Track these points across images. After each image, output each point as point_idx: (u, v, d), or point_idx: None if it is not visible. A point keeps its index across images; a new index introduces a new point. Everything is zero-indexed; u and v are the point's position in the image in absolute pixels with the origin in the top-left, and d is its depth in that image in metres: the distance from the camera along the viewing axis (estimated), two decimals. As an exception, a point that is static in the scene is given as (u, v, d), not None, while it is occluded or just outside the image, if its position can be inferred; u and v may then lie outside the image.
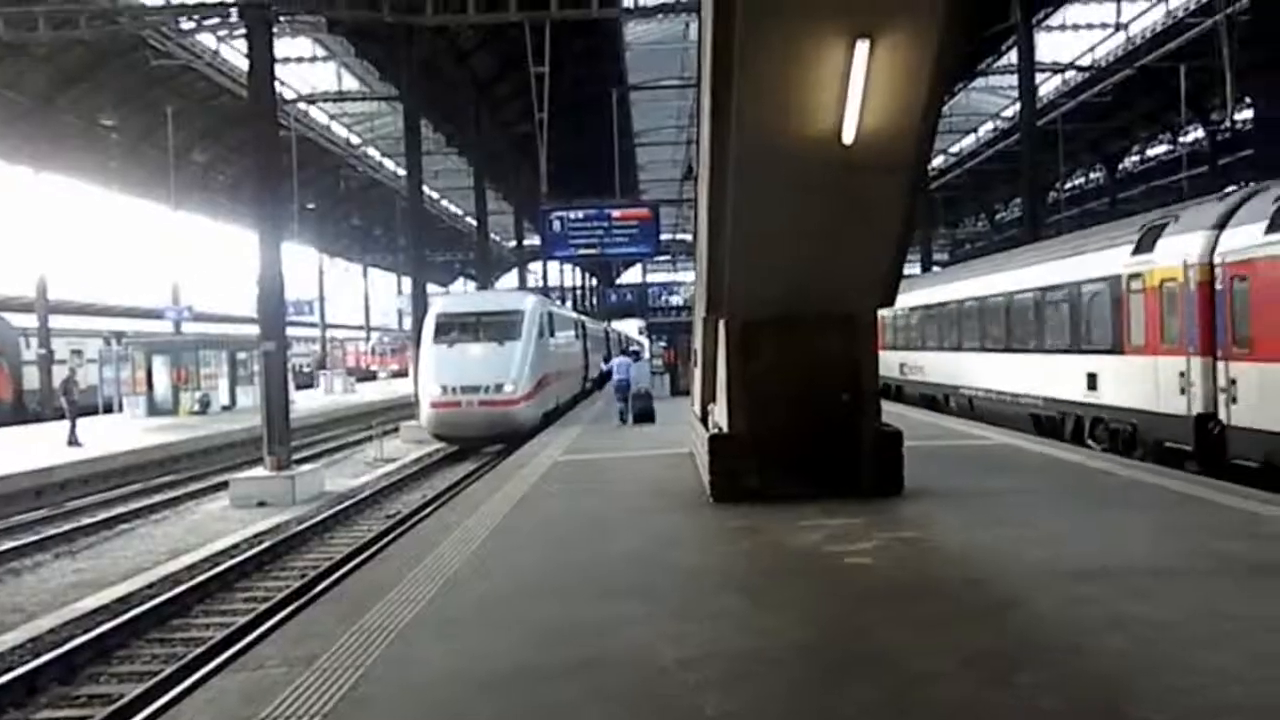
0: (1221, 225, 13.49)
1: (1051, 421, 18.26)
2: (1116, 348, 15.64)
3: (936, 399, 25.33)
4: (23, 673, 8.88)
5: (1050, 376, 18.21)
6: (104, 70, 33.88)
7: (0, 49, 29.20)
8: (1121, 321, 15.50)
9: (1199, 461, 13.33)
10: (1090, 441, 16.52)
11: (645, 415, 22.47)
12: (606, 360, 33.78)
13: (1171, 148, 46.09)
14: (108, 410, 36.19)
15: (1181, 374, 13.82)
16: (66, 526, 16.75)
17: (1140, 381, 14.91)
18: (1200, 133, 43.56)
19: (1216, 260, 13.31)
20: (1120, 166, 51.66)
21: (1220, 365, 13.16)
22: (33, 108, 33.22)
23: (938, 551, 8.03)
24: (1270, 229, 12.27)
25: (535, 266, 62.08)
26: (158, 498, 19.85)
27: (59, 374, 30.93)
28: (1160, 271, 14.54)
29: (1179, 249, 14.13)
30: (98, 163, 39.34)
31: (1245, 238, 12.78)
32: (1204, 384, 13.40)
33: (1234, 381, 12.84)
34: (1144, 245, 15.20)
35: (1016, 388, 19.93)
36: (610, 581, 7.36)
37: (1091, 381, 16.51)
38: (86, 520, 17.34)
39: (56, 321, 37.47)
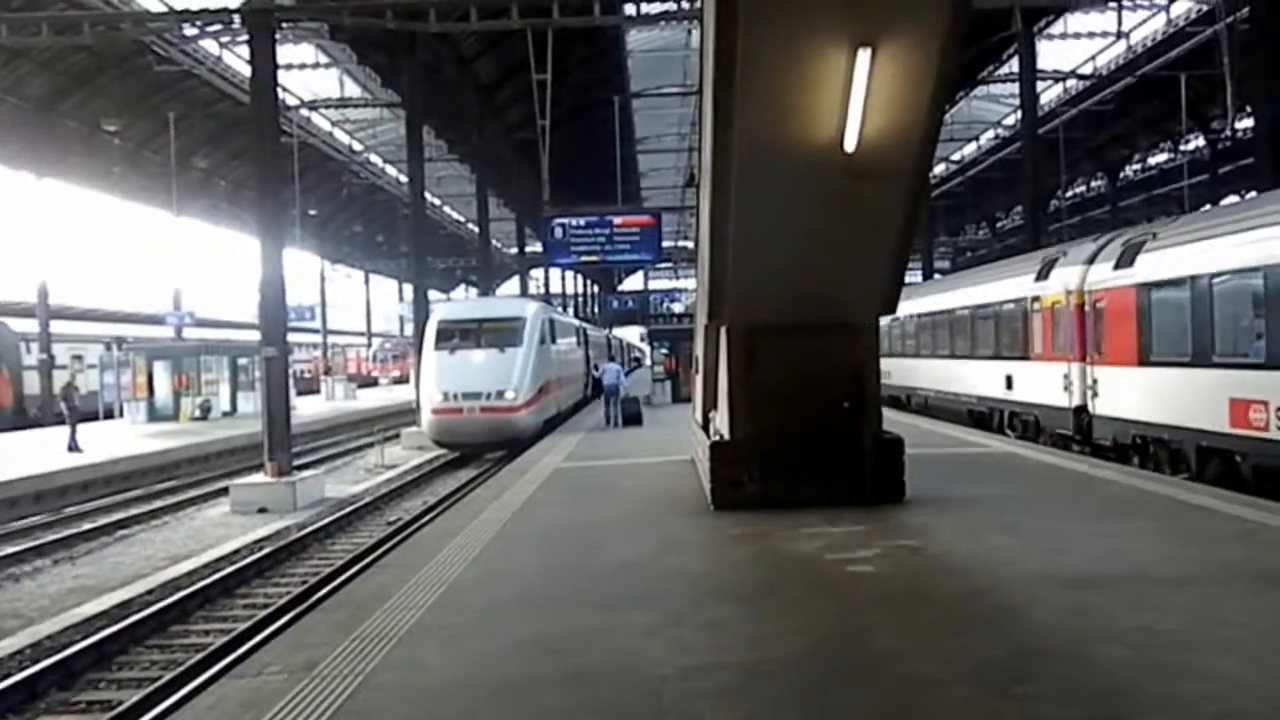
0: (1091, 261, 17.16)
1: (982, 415, 22.00)
2: (1024, 355, 19.52)
3: (899, 399, 28.11)
4: (22, 678, 8.88)
5: (980, 378, 22.04)
6: (106, 76, 33.90)
7: (3, 54, 29.29)
8: (1027, 334, 19.37)
9: (1080, 443, 17.04)
10: (1007, 431, 20.32)
11: (633, 419, 24.09)
12: (597, 369, 34.39)
13: (1172, 156, 46.14)
14: (109, 416, 36.21)
15: (1065, 375, 17.51)
16: (66, 532, 16.75)
17: (1040, 382, 18.60)
18: (1201, 141, 43.62)
19: (1086, 288, 17.00)
20: (1121, 175, 51.69)
21: (1088, 369, 16.89)
22: (35, 113, 33.26)
23: (939, 560, 8.01)
24: (1116, 266, 15.96)
25: (537, 273, 62.13)
26: (158, 503, 19.84)
27: (60, 379, 30.97)
28: (1050, 296, 18.30)
29: (1062, 279, 17.84)
30: (100, 168, 39.37)
31: (1102, 272, 16.52)
32: (1079, 383, 17.16)
33: (1095, 381, 16.64)
34: (1042, 274, 18.93)
35: (957, 388, 23.68)
36: (611, 589, 7.35)
37: (1008, 382, 20.34)
38: (87, 526, 17.34)
39: (58, 327, 37.50)
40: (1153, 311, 14.91)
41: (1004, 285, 21.14)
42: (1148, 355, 14.99)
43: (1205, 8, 31.04)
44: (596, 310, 77.68)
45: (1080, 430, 17.11)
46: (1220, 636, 5.68)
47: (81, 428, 24.79)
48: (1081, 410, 17.05)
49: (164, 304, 42.26)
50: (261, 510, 18.20)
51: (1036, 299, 18.93)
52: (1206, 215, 17.02)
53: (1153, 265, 14.97)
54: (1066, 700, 4.88)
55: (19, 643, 10.22)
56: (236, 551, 14.81)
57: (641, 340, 73.50)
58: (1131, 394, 15.51)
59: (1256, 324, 12.40)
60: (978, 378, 22.17)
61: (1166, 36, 33.55)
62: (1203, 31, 30.25)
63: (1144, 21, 35.40)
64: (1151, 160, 49.34)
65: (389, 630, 6.44)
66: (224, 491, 19.67)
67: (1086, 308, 17.00)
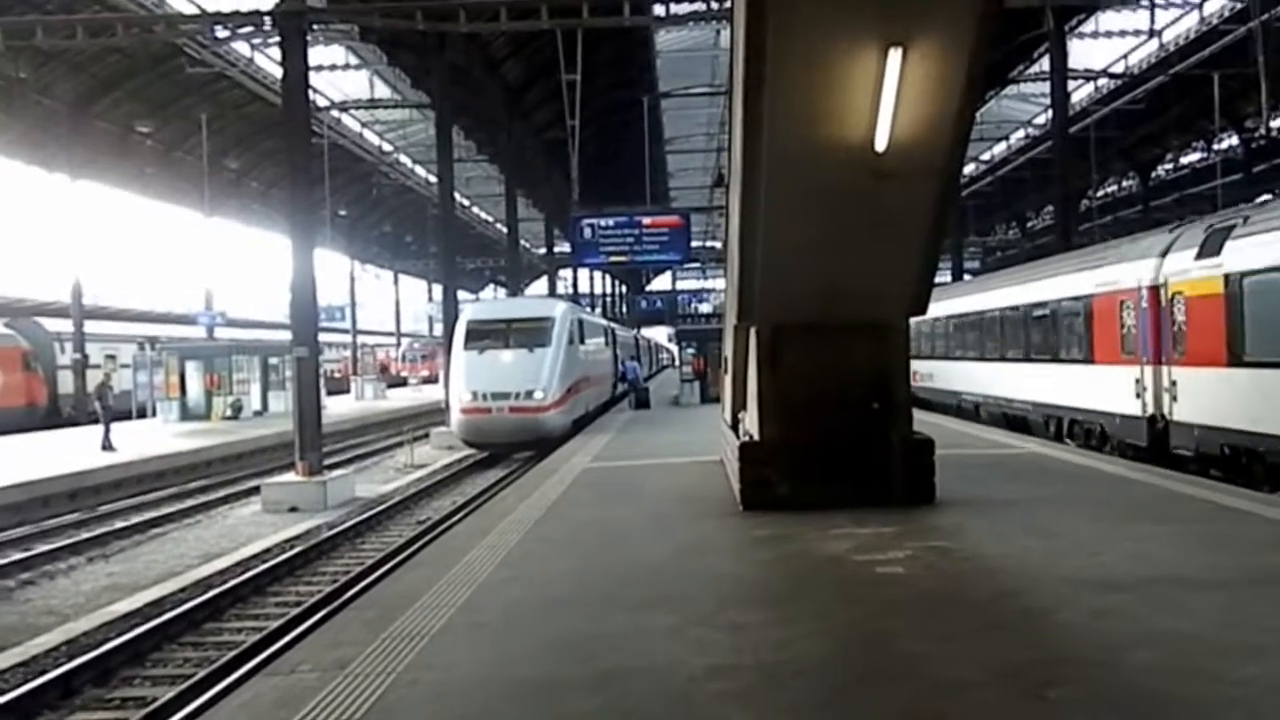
0: (1165, 253, 15.83)
1: (1032, 421, 21.38)
2: (1089, 359, 18.50)
3: (956, 407, 26.76)
4: (58, 675, 8.98)
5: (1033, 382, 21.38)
6: (139, 78, 34.29)
7: (39, 56, 29.63)
8: (1091, 334, 18.46)
9: (1153, 455, 15.50)
10: (1067, 440, 19.22)
11: (643, 403, 30.10)
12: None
13: (1205, 155, 45.67)
14: (141, 415, 36.54)
15: (1137, 380, 16.52)
16: (100, 530, 16.93)
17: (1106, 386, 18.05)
18: (1234, 139, 43.15)
19: (1160, 282, 15.78)
20: (1153, 174, 51.20)
21: (1164, 370, 15.75)
22: (69, 115, 33.65)
23: (969, 561, 7.97)
24: (1199, 255, 14.63)
25: (565, 273, 62.24)
26: (190, 502, 20.03)
27: (93, 378, 31.27)
28: (1116, 292, 17.47)
29: (1135, 272, 16.69)
30: (133, 170, 39.79)
31: (1180, 262, 15.21)
32: (1154, 387, 16.14)
33: (1175, 383, 15.39)
34: (1106, 267, 18.38)
35: (1001, 392, 23.50)
36: (639, 590, 7.36)
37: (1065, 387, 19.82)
38: (120, 524, 17.52)
39: (91, 326, 37.90)
40: (1245, 304, 13.40)
41: (1063, 281, 19.84)
42: (1240, 354, 13.55)
43: (1239, 6, 30.76)
44: (624, 310, 77.75)
45: (1155, 440, 15.64)
46: (1253, 642, 5.61)
47: (115, 427, 25.03)
48: (1155, 419, 15.74)
49: (196, 304, 42.62)
50: (292, 509, 18.33)
51: (1095, 295, 17.98)
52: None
53: (1246, 252, 13.51)
54: (1098, 704, 4.85)
55: (55, 639, 10.34)
56: (268, 550, 14.93)
57: (669, 340, 73.57)
58: (1218, 399, 14.15)
59: None
60: (1030, 381, 21.18)
61: (1199, 35, 33.22)
62: (1236, 29, 29.93)
63: (1176, 20, 35.10)
64: (1184, 159, 48.85)
65: (419, 629, 6.47)
66: (255, 490, 19.83)
67: (1163, 303, 15.55)
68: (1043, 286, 20.82)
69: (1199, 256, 14.63)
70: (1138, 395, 16.24)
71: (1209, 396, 14.38)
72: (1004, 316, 23.17)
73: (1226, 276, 13.87)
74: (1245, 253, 13.55)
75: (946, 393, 27.42)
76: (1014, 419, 22.05)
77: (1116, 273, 17.37)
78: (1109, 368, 17.35)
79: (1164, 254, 15.84)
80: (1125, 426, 16.70)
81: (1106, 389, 17.41)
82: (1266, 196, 14.21)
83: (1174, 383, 15.31)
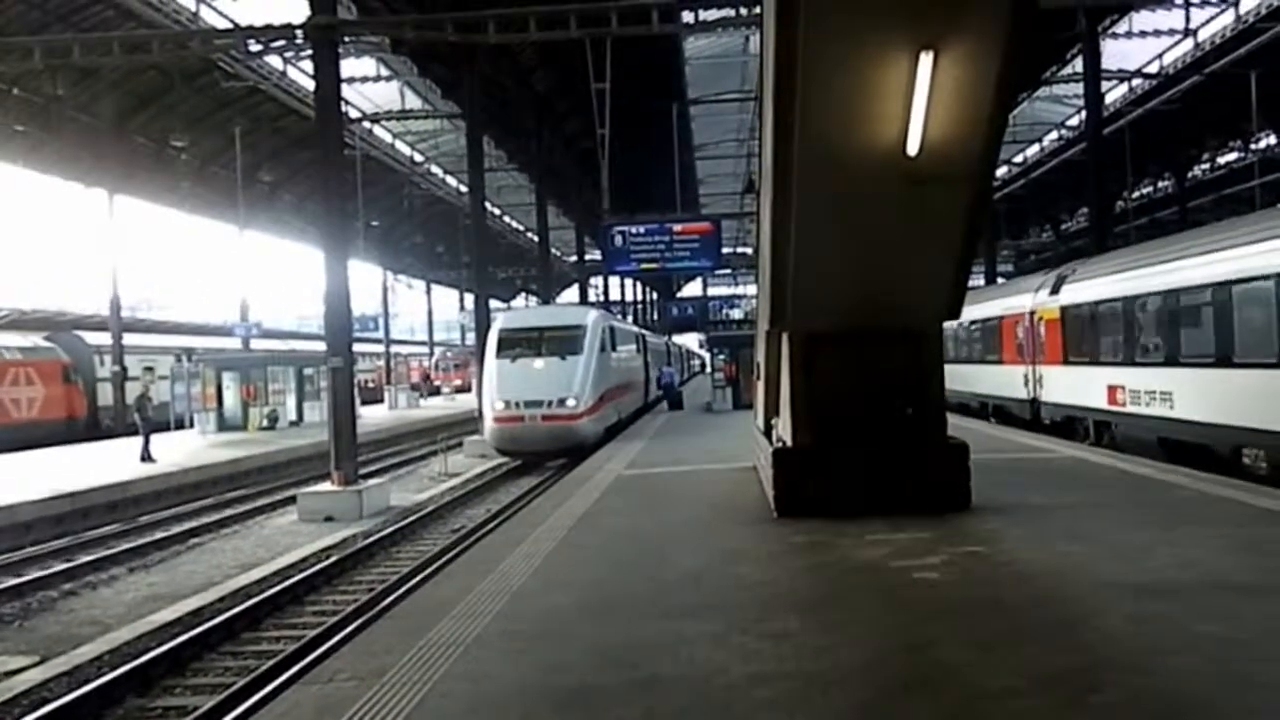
0: (1036, 290, 22.89)
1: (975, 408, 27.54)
2: (999, 360, 25.57)
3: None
4: (101, 684, 9.08)
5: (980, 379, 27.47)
6: (174, 93, 34.68)
7: (76, 73, 30.04)
8: (1000, 343, 25.53)
9: (1031, 422, 22.53)
10: (992, 418, 25.67)
11: (676, 404, 34.16)
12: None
13: (1242, 155, 45.15)
14: (179, 426, 36.89)
15: (1025, 376, 23.49)
16: (140, 540, 17.10)
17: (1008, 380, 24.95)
18: (1272, 139, 42.64)
19: (1033, 309, 22.91)
20: (1189, 175, 50.65)
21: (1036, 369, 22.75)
22: (106, 131, 34.08)
23: (1007, 567, 7.92)
24: (1051, 293, 21.67)
25: (596, 281, 62.32)
26: (228, 512, 20.19)
27: (132, 391, 31.62)
28: (1013, 314, 24.47)
29: (1021, 301, 24.12)
30: (168, 184, 40.23)
31: (1041, 297, 22.29)
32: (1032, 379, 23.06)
33: (1041, 378, 22.42)
34: (1011, 295, 25.59)
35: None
36: (674, 598, 7.35)
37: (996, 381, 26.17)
38: (159, 534, 17.70)
39: (130, 339, 38.29)
40: (1068, 326, 20.54)
41: (989, 305, 26.52)
42: (1068, 357, 20.56)
43: (1275, 3, 30.43)
44: (655, 317, 77.71)
45: (1034, 414, 22.69)
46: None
47: (154, 438, 25.27)
48: (1034, 401, 22.82)
49: (232, 316, 42.99)
50: (328, 519, 18.44)
51: (1004, 316, 24.94)
52: (1098, 260, 21.73)
53: (1070, 293, 20.60)
54: (1141, 711, 4.80)
55: (98, 649, 10.46)
56: (305, 559, 15.04)
57: (701, 347, 73.46)
58: (1061, 386, 21.08)
59: (1121, 336, 18.05)
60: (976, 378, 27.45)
61: (1235, 33, 32.89)
62: (1273, 28, 29.63)
63: (1212, 18, 34.77)
64: (1221, 160, 48.30)
65: (456, 638, 6.50)
66: (292, 500, 19.96)
67: (1035, 324, 22.61)
68: (977, 309, 26.29)
69: (1050, 294, 21.60)
70: (1025, 385, 23.26)
71: (1055, 384, 21.55)
72: (953, 330, 28.34)
73: (1062, 308, 20.98)
74: (1069, 293, 20.68)
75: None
76: (964, 407, 27.39)
77: (1015, 301, 24.16)
78: (1012, 367, 24.35)
79: (1037, 290, 22.74)
80: (1020, 407, 23.70)
81: (1011, 381, 24.24)
82: (1100, 255, 23.06)
83: (1040, 376, 22.36)
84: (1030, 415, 22.65)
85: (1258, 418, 13.50)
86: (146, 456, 24.22)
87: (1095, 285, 19.48)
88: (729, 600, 7.20)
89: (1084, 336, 19.75)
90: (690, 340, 77.73)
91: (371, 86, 38.31)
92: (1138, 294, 17.37)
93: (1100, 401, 18.73)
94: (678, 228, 27.72)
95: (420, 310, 74.32)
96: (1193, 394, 15.40)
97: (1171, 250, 16.96)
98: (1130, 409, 17.50)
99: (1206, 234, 16.79)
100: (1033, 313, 22.50)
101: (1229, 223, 17.40)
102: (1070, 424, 20.43)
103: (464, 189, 43.17)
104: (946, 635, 6.11)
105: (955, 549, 8.44)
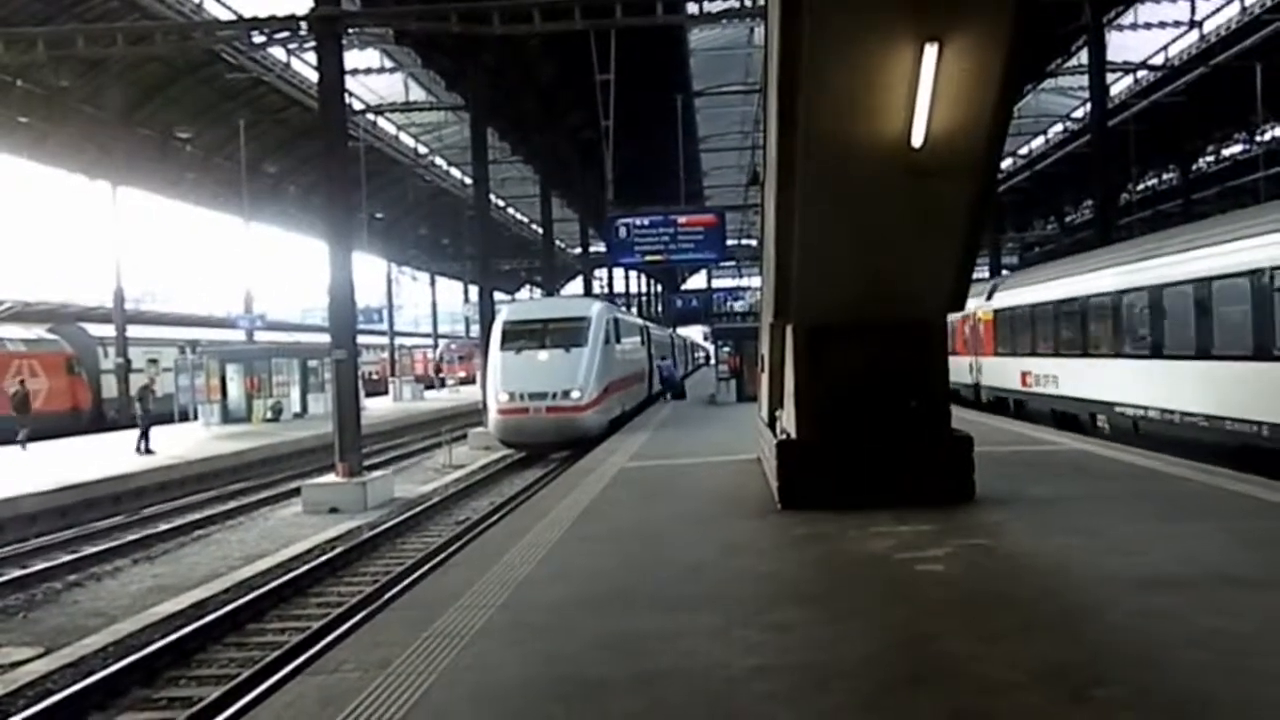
0: (979, 295, 27.20)
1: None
2: (954, 352, 27.87)
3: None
4: (105, 675, 9.10)
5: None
6: (178, 85, 34.67)
7: (80, 65, 30.03)
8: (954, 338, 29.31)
9: (975, 402, 27.88)
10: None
11: (679, 394, 35.55)
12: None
13: (1247, 147, 45.01)
14: (184, 418, 36.95)
15: (970, 365, 28.92)
16: (144, 532, 17.15)
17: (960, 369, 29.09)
18: (1278, 131, 42.50)
19: (974, 311, 27.75)
20: (1194, 167, 50.50)
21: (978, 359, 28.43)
22: (111, 123, 34.04)
23: (1011, 560, 7.91)
24: (986, 299, 27.22)
25: (601, 273, 62.30)
26: (232, 504, 20.24)
27: (136, 382, 31.69)
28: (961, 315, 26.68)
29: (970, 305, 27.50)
30: (173, 175, 40.18)
31: (978, 303, 27.15)
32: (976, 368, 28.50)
33: (981, 366, 28.10)
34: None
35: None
36: (678, 590, 7.36)
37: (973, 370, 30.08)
38: (164, 526, 17.74)
39: (133, 331, 38.34)
40: (998, 325, 26.28)
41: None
42: (997, 350, 26.22)
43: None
44: (660, 309, 77.69)
45: (976, 396, 28.02)
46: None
47: (158, 430, 25.33)
48: (977, 386, 28.32)
49: (236, 307, 43.01)
50: (333, 510, 18.48)
51: (960, 316, 27.82)
52: (1019, 274, 27.34)
53: (998, 299, 26.35)
54: (1144, 704, 4.80)
55: (102, 640, 10.50)
56: (309, 551, 15.08)
57: (705, 339, 73.45)
58: (994, 372, 26.66)
59: (1026, 333, 23.96)
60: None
61: (1241, 25, 32.77)
62: (1279, 20, 29.51)
63: (1217, 10, 34.65)
64: (1226, 152, 48.15)
65: (460, 629, 6.50)
66: (296, 492, 20.00)
67: (977, 323, 28.04)
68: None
69: (987, 299, 27.11)
70: (970, 372, 28.67)
71: (990, 371, 27.12)
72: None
73: (994, 311, 26.64)
74: (999, 299, 26.44)
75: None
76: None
77: (966, 304, 27.56)
78: (963, 357, 29.04)
79: (980, 296, 27.01)
80: (968, 390, 28.50)
81: (960, 369, 28.34)
82: (1021, 270, 30.09)
83: (981, 365, 27.90)
84: (974, 397, 28.13)
85: (1105, 393, 19.17)
86: (145, 449, 24.24)
87: (1014, 294, 25.38)
88: (732, 593, 7.20)
89: (1008, 334, 25.54)
90: (695, 332, 77.71)
91: (375, 78, 38.24)
92: (1037, 302, 23.42)
93: (1017, 384, 24.49)
94: (682, 220, 27.64)
95: (425, 302, 74.37)
96: (1070, 377, 21.23)
97: (1057, 270, 23.42)
98: (1035, 389, 23.28)
99: (1079, 260, 22.78)
100: (975, 314, 27.80)
101: (1103, 250, 22.48)
102: (1001, 402, 25.96)
103: (468, 181, 43.12)
104: (950, 628, 6.11)
105: (959, 542, 8.43)
